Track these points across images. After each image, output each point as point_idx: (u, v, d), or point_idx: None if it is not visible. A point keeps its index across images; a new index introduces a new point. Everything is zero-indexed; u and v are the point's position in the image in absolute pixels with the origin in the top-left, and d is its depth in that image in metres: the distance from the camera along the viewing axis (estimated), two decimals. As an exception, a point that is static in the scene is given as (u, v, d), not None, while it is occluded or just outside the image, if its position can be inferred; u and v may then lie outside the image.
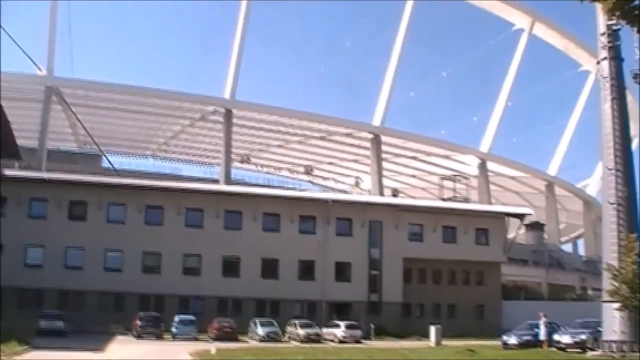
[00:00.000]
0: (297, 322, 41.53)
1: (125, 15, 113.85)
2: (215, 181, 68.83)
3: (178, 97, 69.77)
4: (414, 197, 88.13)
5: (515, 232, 64.41)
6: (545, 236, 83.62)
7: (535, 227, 79.80)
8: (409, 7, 72.36)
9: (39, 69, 64.68)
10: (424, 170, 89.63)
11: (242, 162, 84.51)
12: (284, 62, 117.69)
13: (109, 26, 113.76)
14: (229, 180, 67.81)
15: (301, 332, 40.06)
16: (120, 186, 48.28)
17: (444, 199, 75.76)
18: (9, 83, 64.24)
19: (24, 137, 65.72)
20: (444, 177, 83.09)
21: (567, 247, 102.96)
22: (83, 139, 78.18)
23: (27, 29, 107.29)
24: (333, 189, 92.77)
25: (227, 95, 68.95)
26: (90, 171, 62.45)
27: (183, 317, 40.12)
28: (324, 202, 50.95)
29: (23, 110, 66.75)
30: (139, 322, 39.06)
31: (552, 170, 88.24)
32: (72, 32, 69.23)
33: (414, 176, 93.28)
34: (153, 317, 39.79)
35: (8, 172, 50.47)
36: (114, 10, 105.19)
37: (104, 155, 76.95)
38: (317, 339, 39.70)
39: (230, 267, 46.91)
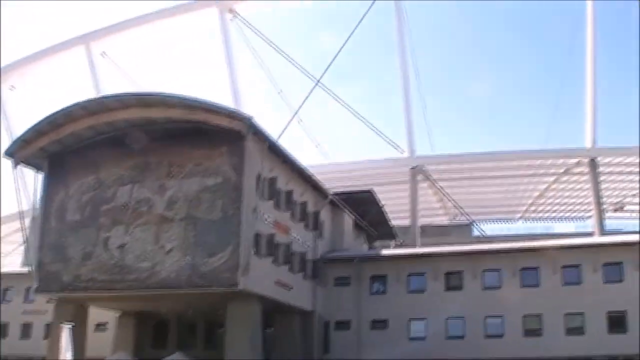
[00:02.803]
0: None
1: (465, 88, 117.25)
2: (590, 234, 65.85)
3: (539, 155, 68.72)
4: None
5: None
6: None
7: None
8: None
9: (401, 151, 68.18)
10: None
11: (615, 210, 79.90)
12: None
13: (456, 99, 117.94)
14: (603, 232, 64.44)
15: None
16: (493, 252, 48.12)
17: None
18: (376, 170, 69.40)
19: (397, 217, 69.59)
20: None
21: None
22: (452, 211, 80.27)
23: (384, 115, 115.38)
24: None
25: (588, 143, 66.29)
26: (462, 241, 63.81)
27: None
28: None
29: (392, 193, 70.79)
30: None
31: None
32: (427, 110, 72.58)
33: None
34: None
35: (386, 252, 53.82)
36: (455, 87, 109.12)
37: (474, 224, 78.23)
38: None
39: (616, 322, 43.80)
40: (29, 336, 53.94)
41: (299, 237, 45.62)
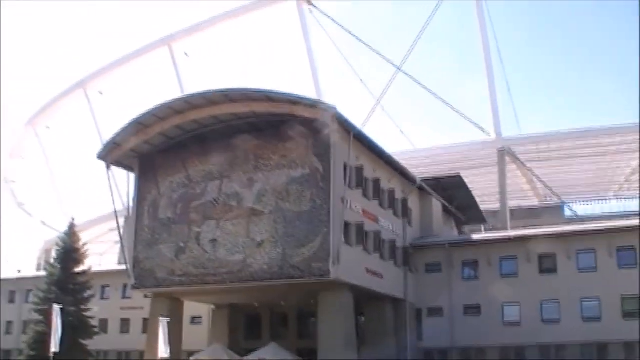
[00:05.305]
0: None
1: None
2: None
3: (630, 130, 66.32)
4: None
5: None
6: None
7: None
8: None
9: (488, 134, 66.99)
10: None
11: None
12: None
13: (541, 78, 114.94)
14: None
15: None
16: (587, 232, 46.83)
17: None
18: (463, 154, 68.43)
19: (486, 201, 68.52)
20: None
21: None
22: (542, 193, 78.52)
23: (468, 98, 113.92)
24: None
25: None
26: (554, 222, 62.30)
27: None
28: None
29: (480, 177, 69.75)
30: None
31: None
32: (511, 90, 71.02)
33: None
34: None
35: (476, 237, 53.09)
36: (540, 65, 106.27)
37: (565, 205, 76.34)
38: None
39: None
40: (128, 331, 55.74)
41: (388, 225, 45.48)
